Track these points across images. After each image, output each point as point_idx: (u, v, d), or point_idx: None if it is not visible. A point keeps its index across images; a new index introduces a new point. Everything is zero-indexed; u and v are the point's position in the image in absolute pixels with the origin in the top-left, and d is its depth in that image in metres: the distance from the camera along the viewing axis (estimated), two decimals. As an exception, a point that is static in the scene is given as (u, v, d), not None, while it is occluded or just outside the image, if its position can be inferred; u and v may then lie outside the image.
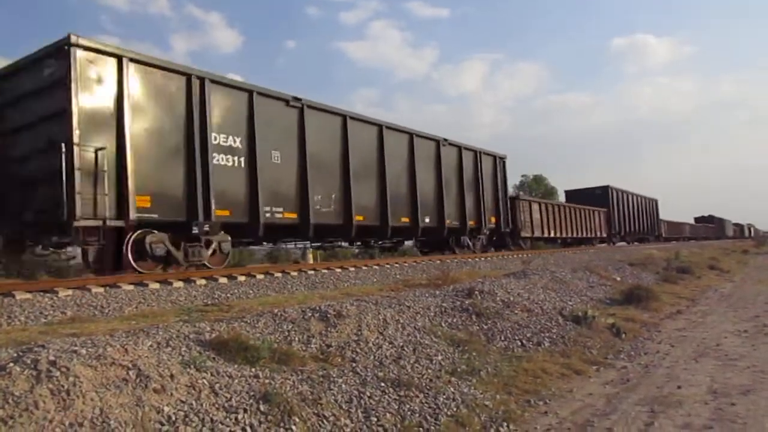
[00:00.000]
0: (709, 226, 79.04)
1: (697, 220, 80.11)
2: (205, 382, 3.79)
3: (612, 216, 38.64)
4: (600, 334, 7.22)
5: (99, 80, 9.32)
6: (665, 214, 72.49)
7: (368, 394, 4.28)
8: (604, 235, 37.03)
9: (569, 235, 31.34)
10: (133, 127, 9.61)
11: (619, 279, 12.79)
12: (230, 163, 11.28)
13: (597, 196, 38.56)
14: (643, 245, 39.41)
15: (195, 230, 10.41)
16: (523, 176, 62.04)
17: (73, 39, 8.90)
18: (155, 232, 10.00)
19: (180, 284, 8.98)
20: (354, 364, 4.81)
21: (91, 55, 9.23)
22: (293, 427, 3.59)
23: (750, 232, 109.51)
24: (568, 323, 7.44)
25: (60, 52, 9.04)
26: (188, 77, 10.64)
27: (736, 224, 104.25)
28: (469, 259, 17.55)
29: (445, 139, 19.07)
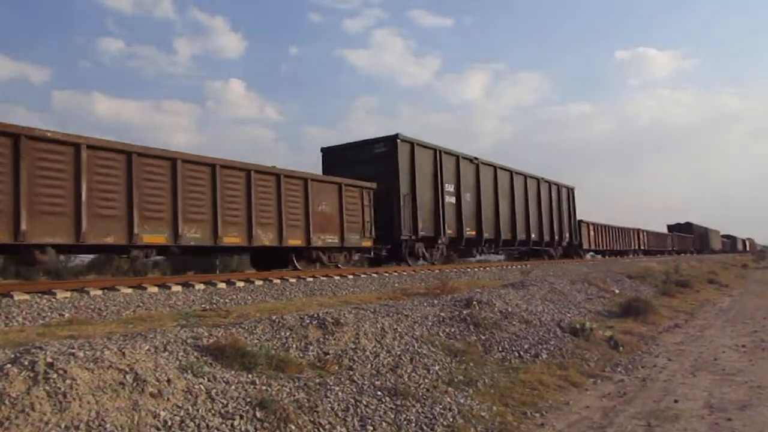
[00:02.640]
0: (685, 237, 62.81)
1: (670, 228, 63.79)
2: (202, 387, 3.79)
3: (403, 201, 16.42)
4: (598, 347, 7.21)
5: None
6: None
7: (365, 402, 4.28)
8: (367, 243, 15.44)
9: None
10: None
11: (617, 291, 12.79)
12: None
13: (378, 159, 16.86)
14: (523, 264, 21.96)
15: None
16: None
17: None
18: None
19: (178, 288, 8.98)
20: (351, 372, 4.80)
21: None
22: (289, 435, 3.58)
23: (745, 245, 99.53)
24: (566, 335, 7.44)
25: None
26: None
27: (726, 236, 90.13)
28: (469, 269, 17.54)
29: None
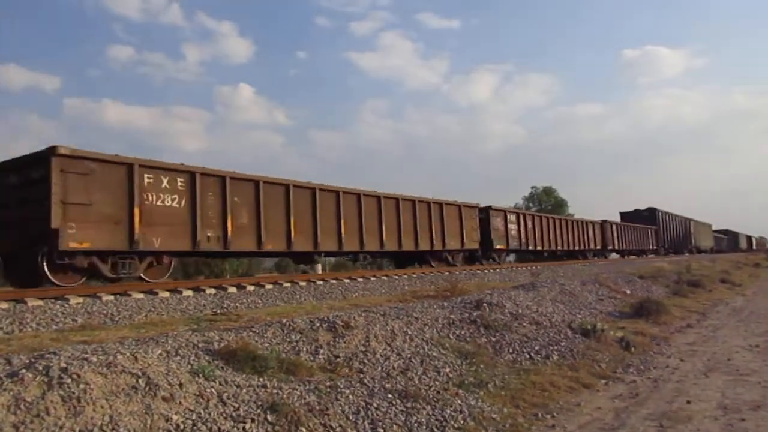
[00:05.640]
0: (644, 229, 43.07)
1: (624, 216, 45.08)
2: (214, 391, 3.82)
3: None
4: (609, 348, 7.17)
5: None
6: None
7: (375, 405, 4.29)
8: None
9: None
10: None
11: (628, 292, 12.71)
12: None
13: None
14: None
15: None
16: (532, 188, 61.47)
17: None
18: None
19: (189, 293, 9.04)
20: (361, 375, 4.81)
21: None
22: (300, 438, 3.60)
23: (751, 243, 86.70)
24: (576, 336, 7.40)
25: None
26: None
27: (722, 231, 73.94)
28: (478, 271, 17.51)
29: None
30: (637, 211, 46.58)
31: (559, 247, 28.84)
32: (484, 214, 22.25)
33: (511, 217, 24.13)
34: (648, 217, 45.86)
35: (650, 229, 44.28)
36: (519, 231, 24.49)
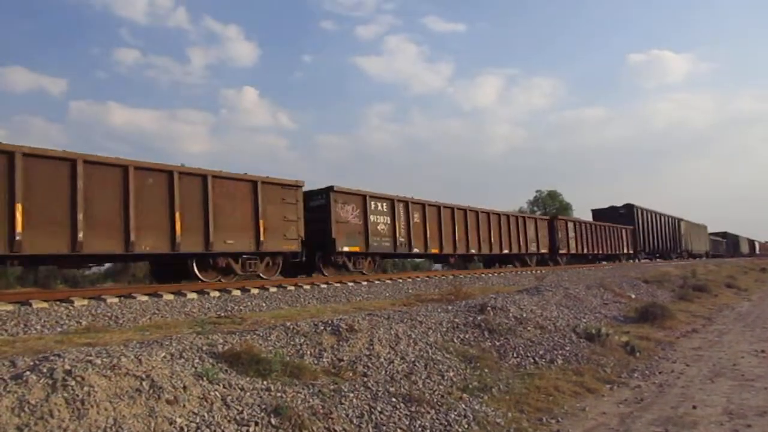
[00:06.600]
0: (617, 229, 35.26)
1: (596, 214, 39.05)
2: (218, 394, 3.82)
3: None
4: (614, 352, 7.14)
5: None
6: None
7: (379, 409, 4.28)
8: None
9: None
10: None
11: (633, 296, 12.66)
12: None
13: None
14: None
15: None
16: (537, 191, 61.27)
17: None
18: None
19: (194, 296, 9.05)
20: (365, 379, 4.80)
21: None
22: (304, 441, 3.59)
23: (754, 247, 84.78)
24: (581, 341, 7.37)
25: None
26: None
27: (720, 234, 68.27)
28: (483, 275, 17.48)
29: None
30: (613, 208, 39.21)
31: (473, 251, 20.83)
32: (323, 198, 14.85)
33: (379, 205, 16.18)
34: (626, 215, 38.37)
35: (625, 230, 36.60)
36: (395, 226, 16.49)
